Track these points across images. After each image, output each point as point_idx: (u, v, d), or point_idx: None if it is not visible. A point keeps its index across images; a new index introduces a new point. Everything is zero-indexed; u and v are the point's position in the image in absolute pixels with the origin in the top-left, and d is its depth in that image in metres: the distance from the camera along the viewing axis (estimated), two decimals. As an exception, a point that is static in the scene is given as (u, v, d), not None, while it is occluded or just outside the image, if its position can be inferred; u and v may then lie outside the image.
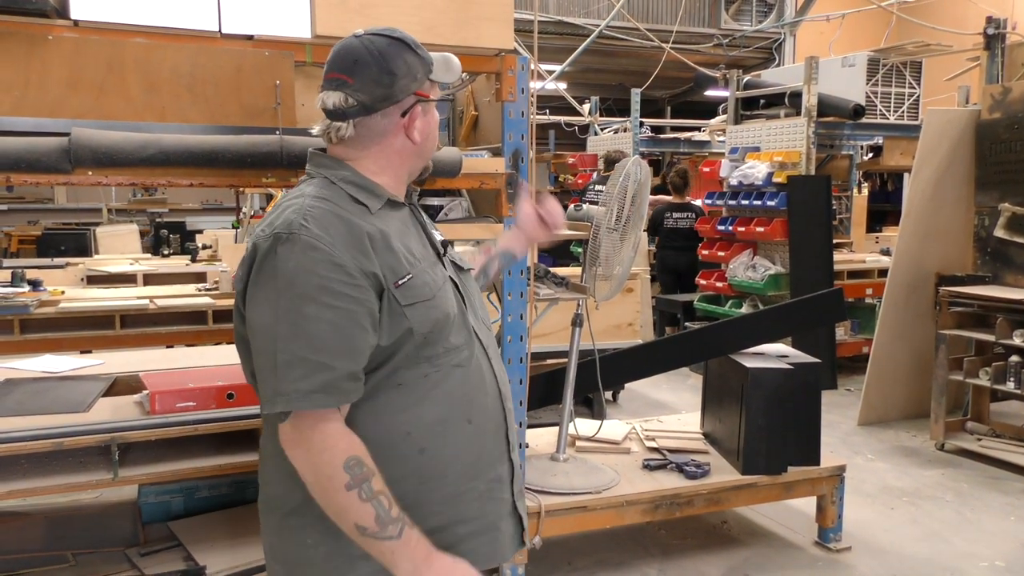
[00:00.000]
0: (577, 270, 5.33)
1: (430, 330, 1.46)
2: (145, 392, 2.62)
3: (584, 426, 3.80)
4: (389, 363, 1.45)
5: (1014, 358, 4.50)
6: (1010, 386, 4.53)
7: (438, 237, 1.65)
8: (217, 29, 2.53)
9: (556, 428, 3.79)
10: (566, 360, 4.90)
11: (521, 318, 2.98)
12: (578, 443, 3.68)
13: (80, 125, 2.36)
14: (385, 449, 1.43)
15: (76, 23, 2.38)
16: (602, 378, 3.38)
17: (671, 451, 3.65)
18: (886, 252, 7.71)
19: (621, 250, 3.14)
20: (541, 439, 3.66)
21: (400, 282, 1.43)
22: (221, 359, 3.36)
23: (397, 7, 2.61)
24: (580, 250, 7.17)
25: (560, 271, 3.63)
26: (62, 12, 2.37)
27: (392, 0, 2.59)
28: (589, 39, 8.80)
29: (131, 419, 2.47)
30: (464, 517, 1.52)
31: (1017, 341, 4.44)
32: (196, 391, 2.56)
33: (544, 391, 3.50)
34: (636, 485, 3.30)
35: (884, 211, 11.67)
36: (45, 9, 2.28)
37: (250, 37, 2.58)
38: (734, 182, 6.49)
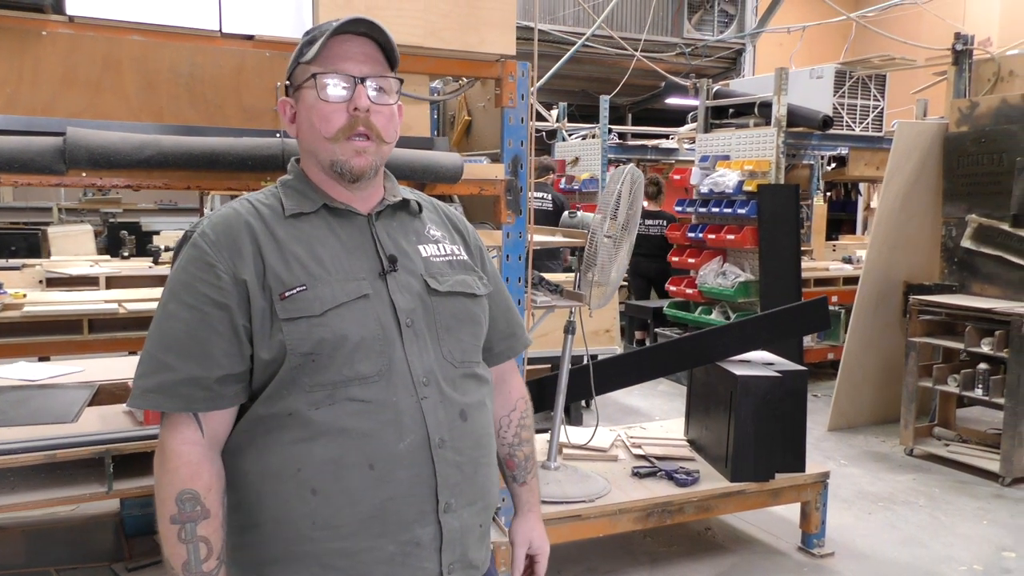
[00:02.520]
0: (559, 276, 5.33)
1: (312, 351, 1.30)
2: (137, 401, 2.53)
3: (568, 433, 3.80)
4: (274, 383, 1.32)
5: (982, 365, 4.61)
6: (978, 392, 4.64)
7: (424, 253, 1.47)
8: (217, 28, 2.46)
9: (541, 435, 3.78)
10: (546, 366, 4.91)
11: (518, 326, 2.96)
12: (565, 450, 3.67)
13: (74, 124, 2.27)
14: (276, 484, 1.32)
15: (71, 19, 2.30)
16: (593, 385, 3.38)
17: (658, 458, 3.66)
18: (847, 260, 7.90)
19: (616, 256, 3.14)
20: (527, 447, 3.64)
21: (288, 293, 1.31)
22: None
23: (401, 10, 2.57)
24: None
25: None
26: (57, 7, 2.28)
27: (398, 3, 2.55)
28: (573, 48, 8.84)
29: (125, 430, 2.39)
30: None
31: (985, 349, 4.56)
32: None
33: (534, 398, 3.47)
34: (628, 493, 3.30)
35: (840, 220, 11.96)
36: (43, 4, 2.20)
37: (251, 37, 2.52)
38: (705, 190, 6.56)
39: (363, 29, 1.40)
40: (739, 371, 3.45)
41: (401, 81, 1.48)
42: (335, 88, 1.38)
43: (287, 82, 1.49)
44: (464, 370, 1.45)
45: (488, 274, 1.60)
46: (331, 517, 1.31)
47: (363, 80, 1.39)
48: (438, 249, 1.50)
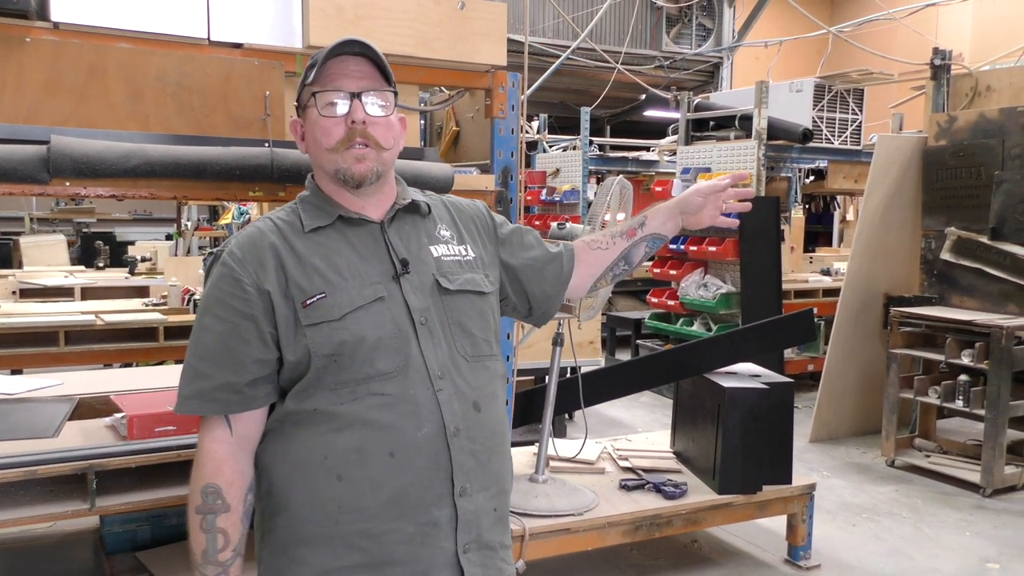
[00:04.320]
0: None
1: (334, 352, 1.42)
2: (120, 415, 2.47)
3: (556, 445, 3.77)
4: (302, 383, 1.44)
5: (963, 377, 4.65)
6: (959, 404, 4.68)
7: (435, 254, 1.57)
8: (205, 36, 2.43)
9: (528, 448, 3.76)
10: (530, 379, 4.89)
11: (508, 337, 2.94)
12: (552, 463, 3.64)
13: (58, 132, 2.23)
14: (305, 470, 1.43)
15: (56, 25, 2.26)
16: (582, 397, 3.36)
17: (645, 471, 3.64)
18: (826, 272, 7.94)
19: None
20: (514, 459, 3.61)
21: (309, 301, 1.43)
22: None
23: (393, 20, 2.56)
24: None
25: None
26: (42, 14, 2.24)
27: (389, 12, 2.54)
28: (559, 60, 8.84)
29: (108, 445, 2.33)
30: (392, 558, 1.43)
31: (966, 360, 4.59)
32: (177, 415, 2.42)
33: (522, 410, 3.46)
34: (616, 506, 3.28)
35: (816, 232, 12.07)
36: (27, 10, 2.15)
37: (239, 45, 2.49)
38: (686, 202, 6.57)
39: (357, 49, 1.52)
40: (726, 383, 3.45)
41: (396, 94, 1.58)
42: (333, 104, 1.50)
43: (296, 103, 1.60)
44: (476, 364, 1.55)
45: (511, 244, 1.74)
46: (355, 501, 1.42)
47: (359, 95, 1.50)
48: (448, 249, 1.61)
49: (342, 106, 1.49)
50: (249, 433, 1.46)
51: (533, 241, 1.80)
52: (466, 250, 1.63)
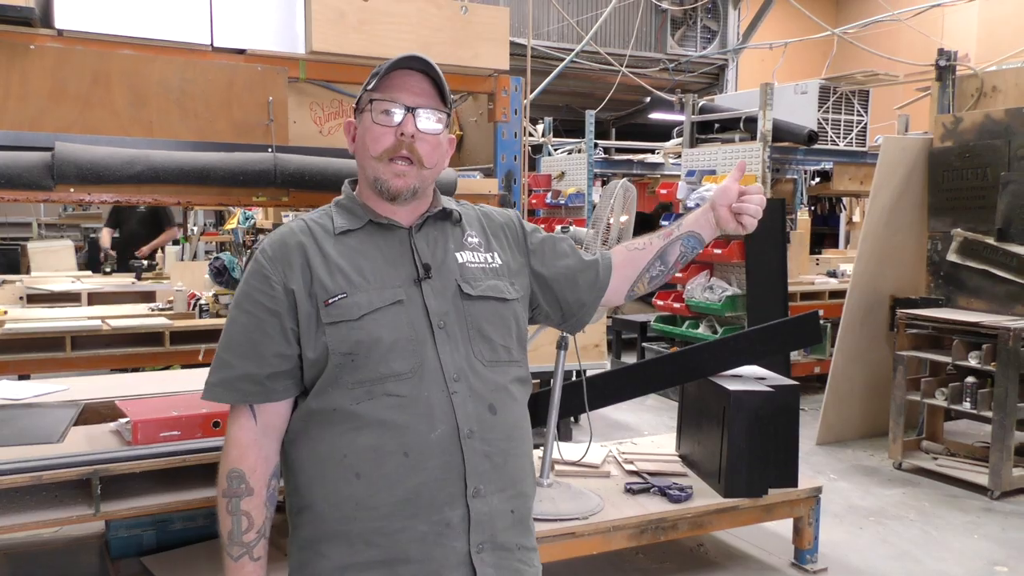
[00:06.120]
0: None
1: (351, 351, 1.47)
2: (125, 420, 2.47)
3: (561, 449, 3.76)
4: (321, 381, 1.49)
5: (970, 379, 4.63)
6: (966, 406, 4.65)
7: (460, 260, 1.60)
8: (208, 42, 2.45)
9: (533, 451, 3.75)
10: (535, 382, 4.87)
11: (512, 342, 2.94)
12: (557, 467, 3.64)
13: (62, 139, 2.24)
14: (326, 468, 1.49)
15: (60, 33, 2.28)
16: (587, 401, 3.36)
17: (650, 474, 3.63)
18: (832, 274, 7.92)
19: (609, 273, 3.12)
20: (519, 463, 3.60)
21: (331, 300, 1.48)
22: (193, 384, 3.20)
23: (395, 24, 2.57)
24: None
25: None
26: (46, 21, 2.25)
27: (390, 18, 2.55)
28: (563, 63, 8.85)
29: (113, 450, 2.33)
30: (407, 557, 1.46)
31: (973, 362, 4.58)
32: (181, 419, 2.43)
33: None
34: (621, 510, 3.27)
35: (823, 234, 12.04)
36: (30, 18, 2.17)
37: (242, 51, 2.50)
38: (691, 204, 6.57)
39: (420, 66, 1.57)
40: (732, 386, 3.44)
41: (450, 115, 1.63)
42: (388, 113, 1.54)
43: (355, 107, 1.65)
44: (494, 368, 1.57)
45: (543, 252, 1.75)
46: (371, 499, 1.46)
47: (413, 110, 1.55)
48: (474, 256, 1.64)
49: (396, 117, 1.53)
50: (273, 423, 1.53)
51: (567, 249, 1.80)
52: (493, 257, 1.66)
